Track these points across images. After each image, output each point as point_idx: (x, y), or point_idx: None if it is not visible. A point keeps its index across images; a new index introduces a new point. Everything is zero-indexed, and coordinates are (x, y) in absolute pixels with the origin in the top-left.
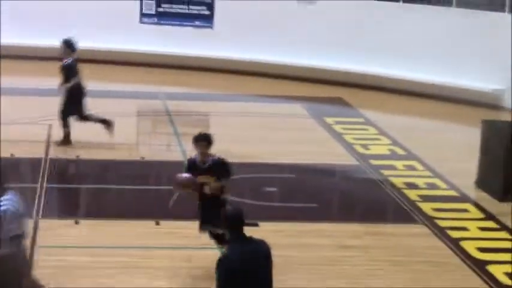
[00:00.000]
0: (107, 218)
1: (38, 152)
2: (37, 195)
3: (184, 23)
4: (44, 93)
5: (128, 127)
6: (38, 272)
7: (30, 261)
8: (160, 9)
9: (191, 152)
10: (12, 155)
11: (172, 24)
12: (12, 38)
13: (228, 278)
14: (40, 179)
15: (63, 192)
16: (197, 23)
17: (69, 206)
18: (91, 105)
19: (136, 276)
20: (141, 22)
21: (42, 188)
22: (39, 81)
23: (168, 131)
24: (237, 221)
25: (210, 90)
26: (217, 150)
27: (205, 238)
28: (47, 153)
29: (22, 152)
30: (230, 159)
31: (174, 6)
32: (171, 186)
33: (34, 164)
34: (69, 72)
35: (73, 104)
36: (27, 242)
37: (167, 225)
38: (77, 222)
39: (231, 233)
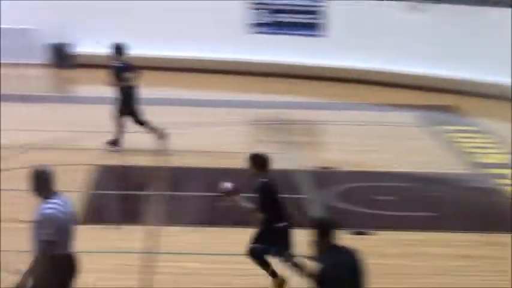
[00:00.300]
0: (221, 226)
1: (149, 160)
2: (154, 202)
3: (294, 32)
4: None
5: (238, 135)
6: (150, 278)
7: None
8: (270, 19)
9: (300, 160)
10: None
11: (283, 34)
12: None
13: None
14: (157, 187)
15: (177, 200)
16: (306, 31)
17: (184, 213)
18: (208, 114)
19: (245, 282)
20: (251, 32)
21: (160, 196)
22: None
23: (279, 139)
24: (328, 230)
25: (320, 98)
26: (329, 159)
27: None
28: (156, 161)
29: (139, 160)
30: (343, 168)
31: (283, 15)
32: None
33: (150, 171)
34: (116, 75)
35: (123, 106)
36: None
37: None
38: (192, 229)
39: (322, 242)
